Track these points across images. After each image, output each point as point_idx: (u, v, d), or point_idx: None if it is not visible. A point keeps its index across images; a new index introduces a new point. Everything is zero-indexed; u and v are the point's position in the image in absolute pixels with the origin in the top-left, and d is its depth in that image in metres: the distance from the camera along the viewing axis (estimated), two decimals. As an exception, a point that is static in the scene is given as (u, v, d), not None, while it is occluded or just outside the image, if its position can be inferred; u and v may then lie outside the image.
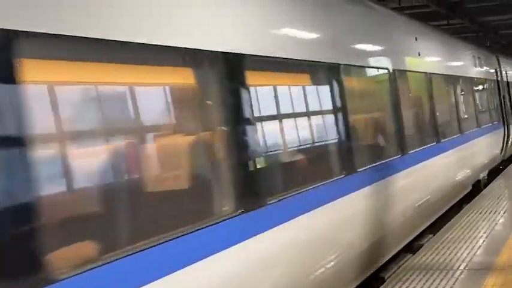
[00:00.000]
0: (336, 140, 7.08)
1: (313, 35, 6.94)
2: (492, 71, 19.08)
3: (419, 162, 10.00)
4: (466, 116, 14.62)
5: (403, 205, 9.08)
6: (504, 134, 19.17)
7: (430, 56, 12.26)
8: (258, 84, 5.58)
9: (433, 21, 17.48)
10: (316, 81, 7.11)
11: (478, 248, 8.64)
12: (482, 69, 17.30)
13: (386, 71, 9.21)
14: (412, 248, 9.75)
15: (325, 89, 7.07)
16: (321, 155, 6.96)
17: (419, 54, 11.13)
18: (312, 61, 6.64)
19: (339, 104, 7.09)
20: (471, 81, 15.70)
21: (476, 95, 16.23)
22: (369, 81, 9.04)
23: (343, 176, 6.95)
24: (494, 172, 17.19)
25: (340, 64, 7.23)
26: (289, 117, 6.34)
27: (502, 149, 18.86)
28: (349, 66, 7.57)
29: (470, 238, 9.24)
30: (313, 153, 6.81)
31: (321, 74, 7.01)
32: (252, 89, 5.27)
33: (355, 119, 7.57)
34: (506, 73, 21.72)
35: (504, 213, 10.96)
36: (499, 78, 19.93)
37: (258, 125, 5.35)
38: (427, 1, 16.57)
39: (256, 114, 5.31)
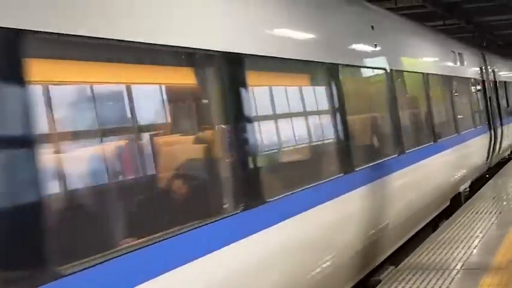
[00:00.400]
0: None
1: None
2: (476, 69, 17.20)
3: (373, 180, 8.09)
4: (441, 121, 12.50)
5: (346, 237, 7.30)
6: (490, 140, 17.33)
7: (392, 49, 10.09)
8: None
9: (429, 22, 17.51)
10: None
11: (474, 248, 8.66)
12: (463, 67, 15.36)
13: (327, 66, 7.21)
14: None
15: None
16: None
17: (375, 46, 9.16)
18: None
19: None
20: (448, 80, 13.60)
21: (456, 96, 14.05)
22: (299, 80, 7.23)
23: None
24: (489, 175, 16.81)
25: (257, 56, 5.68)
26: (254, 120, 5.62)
27: (488, 156, 17.10)
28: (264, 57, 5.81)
29: (466, 238, 9.26)
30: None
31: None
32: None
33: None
34: (494, 72, 19.69)
35: (500, 213, 10.99)
36: (485, 77, 17.92)
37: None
38: (423, 1, 16.61)
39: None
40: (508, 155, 21.78)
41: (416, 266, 7.96)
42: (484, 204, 11.92)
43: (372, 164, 8.18)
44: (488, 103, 17.63)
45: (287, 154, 6.62)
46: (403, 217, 9.41)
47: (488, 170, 17.53)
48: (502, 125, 19.30)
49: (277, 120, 6.27)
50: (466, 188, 14.01)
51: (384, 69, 9.37)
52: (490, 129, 17.35)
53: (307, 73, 7.27)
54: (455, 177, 12.98)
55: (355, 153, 7.62)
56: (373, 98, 9.41)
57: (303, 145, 6.98)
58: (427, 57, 12.71)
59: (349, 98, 7.64)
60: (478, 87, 16.98)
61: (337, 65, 7.40)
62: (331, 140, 7.33)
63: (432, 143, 11.33)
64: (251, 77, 5.40)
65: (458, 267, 7.80)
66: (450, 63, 14.27)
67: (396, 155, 9.24)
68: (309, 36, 7.04)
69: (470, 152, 14.45)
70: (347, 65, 7.80)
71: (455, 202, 12.87)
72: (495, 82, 19.48)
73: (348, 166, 7.33)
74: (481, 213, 11.09)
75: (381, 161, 8.59)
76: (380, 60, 9.32)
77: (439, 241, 9.21)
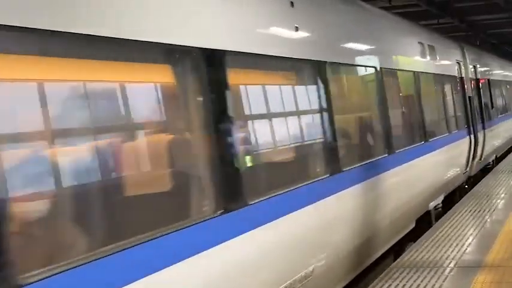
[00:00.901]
0: None
1: None
2: (453, 65, 14.69)
3: (308, 205, 6.21)
4: (400, 127, 10.11)
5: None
6: (470, 145, 14.85)
7: (322, 35, 7.51)
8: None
9: (423, 21, 17.58)
10: None
11: (468, 246, 8.70)
12: (435, 62, 12.88)
13: (211, 53, 4.97)
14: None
15: None
16: None
17: (296, 29, 6.68)
18: None
19: None
20: (413, 77, 11.05)
21: (424, 96, 11.49)
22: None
23: None
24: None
25: None
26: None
27: (467, 165, 14.69)
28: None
29: (460, 236, 9.31)
30: None
31: None
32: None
33: None
34: (475, 68, 17.21)
35: (493, 211, 11.04)
36: (464, 75, 15.46)
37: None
38: (417, 0, 16.66)
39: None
40: (493, 160, 19.22)
41: (410, 264, 8.00)
42: (477, 202, 11.98)
43: (286, 190, 5.90)
44: (468, 104, 15.25)
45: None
46: (340, 256, 7.04)
47: (469, 179, 15.33)
48: (484, 128, 16.94)
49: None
50: (437, 205, 11.81)
51: (311, 61, 6.93)
52: (469, 133, 14.91)
53: None
54: (423, 193, 10.73)
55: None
56: (285, 98, 6.68)
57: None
58: (380, 47, 9.75)
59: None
60: (455, 86, 14.58)
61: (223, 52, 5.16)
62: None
63: (386, 155, 8.94)
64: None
65: (452, 265, 7.83)
66: (416, 57, 11.74)
67: (329, 175, 6.84)
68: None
69: (443, 162, 12.24)
70: (240, 53, 5.45)
71: (427, 219, 11.06)
72: (477, 80, 17.19)
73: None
74: (474, 211, 11.14)
75: (307, 183, 6.34)
76: (303, 48, 6.80)
77: (432, 239, 9.25)
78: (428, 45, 12.46)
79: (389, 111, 9.38)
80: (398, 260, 8.38)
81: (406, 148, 9.94)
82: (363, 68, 8.90)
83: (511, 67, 26.93)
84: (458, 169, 13.73)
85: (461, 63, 15.39)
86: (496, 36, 28.39)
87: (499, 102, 21.50)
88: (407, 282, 7.28)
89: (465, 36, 23.23)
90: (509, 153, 21.84)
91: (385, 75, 9.36)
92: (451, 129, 13.36)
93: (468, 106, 15.19)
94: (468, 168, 14.84)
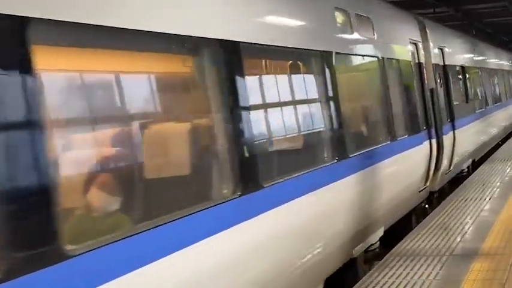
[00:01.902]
0: None
1: None
2: (403, 45, 10.83)
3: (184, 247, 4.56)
4: (293, 140, 6.84)
5: None
6: (431, 153, 11.34)
7: None
8: None
9: (419, 10, 17.56)
10: None
11: (464, 234, 8.73)
12: (368, 40, 9.09)
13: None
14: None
15: None
16: None
17: None
18: None
19: None
20: (324, 60, 7.26)
21: (344, 89, 7.71)
22: None
23: None
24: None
25: None
26: None
27: (427, 179, 11.26)
28: None
29: (457, 224, 9.34)
30: None
31: None
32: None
33: None
34: (442, 52, 13.55)
35: (490, 199, 11.07)
36: (423, 60, 11.76)
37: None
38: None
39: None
40: (469, 167, 15.65)
41: (406, 253, 8.03)
42: (474, 190, 12.01)
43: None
44: (429, 99, 11.73)
45: None
46: None
47: (430, 196, 12.00)
48: (454, 129, 13.36)
49: None
50: (373, 245, 8.51)
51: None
52: (430, 137, 11.37)
53: None
54: (337, 238, 7.25)
55: None
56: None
57: None
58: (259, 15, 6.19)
59: None
60: (406, 75, 10.66)
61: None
62: None
63: (281, 180, 5.85)
64: None
65: (448, 253, 7.86)
66: (332, 32, 7.83)
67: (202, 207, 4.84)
68: None
69: (377, 184, 8.50)
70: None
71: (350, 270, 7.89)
72: (444, 67, 13.54)
73: None
74: (470, 199, 11.17)
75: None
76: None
77: (429, 227, 9.27)
78: (358, 14, 8.65)
79: (299, 112, 6.88)
80: (394, 248, 8.40)
81: (291, 176, 6.04)
82: (276, 49, 6.18)
83: (494, 52, 23.79)
84: (409, 188, 10.14)
85: (419, 45, 11.62)
86: (491, 26, 28.39)
87: (477, 94, 17.75)
88: (404, 270, 7.31)
89: (461, 25, 23.23)
90: (492, 154, 18.03)
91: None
92: (393, 136, 9.35)
93: (428, 102, 11.62)
94: (428, 183, 11.36)
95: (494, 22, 27.11)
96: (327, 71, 7.27)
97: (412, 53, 11.26)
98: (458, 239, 8.50)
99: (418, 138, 10.76)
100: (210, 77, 5.10)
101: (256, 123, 5.72)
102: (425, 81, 11.74)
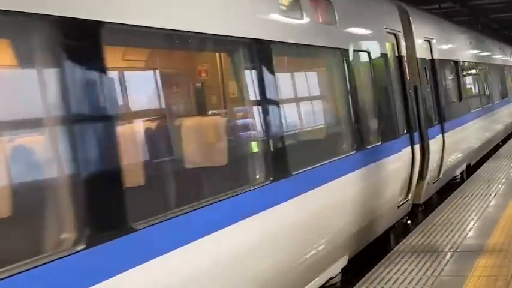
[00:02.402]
0: None
1: None
2: (381, 36, 9.31)
3: None
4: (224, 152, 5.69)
5: None
6: (413, 161, 9.83)
7: None
8: None
9: (425, 5, 17.50)
10: None
11: (469, 231, 8.71)
12: (332, 29, 7.59)
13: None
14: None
15: None
16: None
17: None
18: None
19: None
20: (271, 52, 5.97)
21: (304, 86, 7.42)
22: None
23: None
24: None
25: None
26: None
27: (409, 189, 9.78)
28: None
29: (461, 221, 9.32)
30: None
31: None
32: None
33: None
34: (430, 44, 12.03)
35: (495, 196, 11.05)
36: (404, 53, 10.20)
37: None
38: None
39: None
40: (463, 172, 14.00)
41: (411, 249, 8.02)
42: (479, 187, 11.99)
43: None
44: (413, 98, 10.29)
45: None
46: None
47: (417, 208, 10.66)
48: (443, 131, 11.85)
49: None
50: (332, 278, 7.03)
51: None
52: (412, 143, 9.83)
53: None
54: (287, 271, 6.00)
55: None
56: None
57: None
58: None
59: None
60: (383, 70, 9.19)
61: None
62: None
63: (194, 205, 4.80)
64: None
65: (453, 249, 7.85)
66: (266, 16, 6.17)
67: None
68: None
69: (337, 204, 7.08)
70: None
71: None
72: (432, 61, 12.05)
73: None
74: (476, 195, 11.15)
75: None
76: None
77: (434, 223, 9.26)
78: None
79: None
80: (399, 244, 8.39)
81: (222, 198, 4.99)
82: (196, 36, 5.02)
83: (494, 45, 21.77)
84: (383, 204, 8.66)
85: (400, 35, 10.07)
86: (497, 21, 28.30)
87: (472, 92, 16.24)
88: (408, 266, 7.30)
89: (467, 20, 23.16)
90: (490, 156, 16.68)
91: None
92: (360, 145, 7.77)
93: (411, 101, 10.10)
94: (410, 196, 9.82)
95: (499, 18, 27.03)
96: (264, 64, 5.74)
97: (391, 45, 9.66)
98: (463, 235, 8.48)
99: (396, 145, 9.07)
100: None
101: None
102: (407, 78, 10.14)
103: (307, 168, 6.33)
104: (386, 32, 9.55)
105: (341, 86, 7.75)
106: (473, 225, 9.03)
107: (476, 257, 7.40)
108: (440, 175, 11.66)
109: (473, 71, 16.83)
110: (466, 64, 15.57)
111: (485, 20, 26.49)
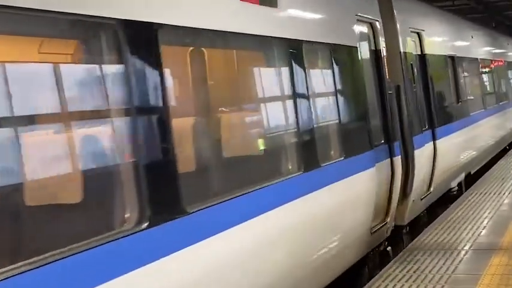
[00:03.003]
0: None
1: None
2: (350, 24, 7.75)
3: None
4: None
5: None
6: (392, 175, 8.30)
7: None
8: None
9: (438, 2, 17.42)
10: None
11: (483, 228, 8.66)
12: (270, 13, 5.98)
13: None
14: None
15: None
16: None
17: None
18: None
19: None
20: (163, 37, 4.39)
21: (226, 87, 5.65)
22: None
23: None
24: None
25: None
26: None
27: (387, 210, 8.22)
28: None
29: (476, 218, 9.26)
30: None
31: None
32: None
33: None
34: (420, 37, 10.34)
35: (509, 193, 10.97)
36: (382, 46, 8.49)
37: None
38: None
39: None
40: (461, 183, 12.22)
41: (424, 247, 7.98)
42: (492, 185, 11.92)
43: None
44: (390, 100, 8.43)
45: None
46: None
47: (401, 229, 9.05)
48: (435, 138, 10.25)
49: None
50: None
51: None
52: (392, 154, 8.28)
53: None
54: None
55: None
56: None
57: None
58: None
59: None
60: (344, 66, 7.42)
61: None
62: None
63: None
64: None
65: (467, 247, 7.81)
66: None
67: None
68: None
69: (279, 239, 5.67)
70: None
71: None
72: (422, 57, 10.38)
73: None
74: (489, 194, 11.08)
75: None
76: None
77: (447, 221, 9.21)
78: None
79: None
80: (412, 242, 8.35)
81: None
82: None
83: (500, 40, 19.84)
84: (349, 233, 7.10)
85: (377, 25, 8.36)
86: (511, 19, 28.14)
87: (473, 92, 14.31)
88: (421, 264, 7.26)
89: (481, 17, 23.03)
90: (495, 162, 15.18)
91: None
92: (314, 161, 6.28)
93: (391, 105, 8.41)
94: (390, 218, 8.21)
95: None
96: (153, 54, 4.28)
97: (363, 36, 8.05)
98: (477, 233, 8.43)
99: (366, 160, 7.40)
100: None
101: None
102: (386, 76, 8.40)
103: (208, 205, 4.61)
104: (358, 19, 7.94)
105: (283, 89, 6.01)
106: (487, 223, 8.97)
107: (490, 255, 7.35)
108: (431, 189, 10.02)
109: (475, 69, 15.00)
110: (465, 61, 13.70)
111: (499, 18, 26.34)
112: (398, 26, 9.20)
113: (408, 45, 9.60)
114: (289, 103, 6.04)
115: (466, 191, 11.71)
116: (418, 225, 9.66)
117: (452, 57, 12.46)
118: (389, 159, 8.23)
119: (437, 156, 10.15)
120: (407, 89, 9.15)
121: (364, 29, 8.15)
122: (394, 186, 8.31)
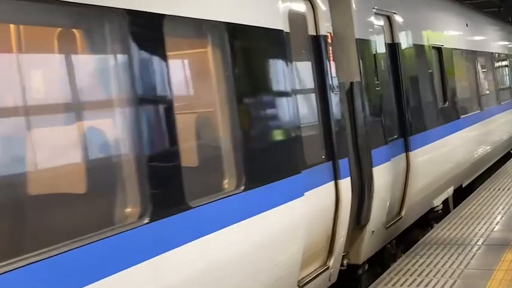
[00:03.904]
0: None
1: None
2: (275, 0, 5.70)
3: None
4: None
5: None
6: (337, 204, 6.43)
7: None
8: None
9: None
10: None
11: (496, 224, 8.63)
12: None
13: None
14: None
15: None
16: None
17: None
18: None
19: None
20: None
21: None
22: None
23: None
24: None
25: None
26: None
27: (330, 249, 6.43)
28: None
29: (489, 214, 9.23)
30: None
31: None
32: None
33: None
34: (390, 21, 8.44)
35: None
36: (327, 31, 6.53)
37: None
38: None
39: None
40: (445, 201, 10.01)
41: (437, 241, 7.97)
42: (506, 180, 11.87)
43: None
44: (336, 103, 6.49)
45: None
46: None
47: (356, 271, 7.26)
48: (409, 149, 8.32)
49: None
50: None
51: None
52: (336, 176, 6.37)
53: None
54: None
55: None
56: None
57: None
58: None
59: None
60: (264, 56, 5.50)
61: None
62: None
63: None
64: None
65: (480, 242, 7.79)
66: None
67: None
68: None
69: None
70: None
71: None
72: (392, 46, 8.42)
73: None
74: (503, 189, 11.04)
75: None
76: None
77: (461, 216, 9.19)
78: None
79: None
80: (425, 236, 8.34)
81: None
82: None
83: (503, 30, 17.18)
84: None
85: (319, 3, 6.43)
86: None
87: (465, 91, 11.94)
88: (434, 258, 7.25)
89: (497, 12, 22.87)
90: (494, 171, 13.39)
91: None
92: (204, 195, 4.54)
93: (336, 109, 6.47)
94: (333, 259, 6.37)
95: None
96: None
97: (296, 17, 6.06)
98: (490, 228, 8.41)
99: (289, 187, 5.54)
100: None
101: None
102: (331, 72, 6.50)
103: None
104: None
105: (159, 85, 4.18)
106: (501, 218, 8.94)
107: (503, 251, 7.33)
108: (402, 213, 8.20)
109: (468, 63, 12.42)
110: (456, 53, 11.27)
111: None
112: (354, 5, 7.24)
113: (370, 32, 7.64)
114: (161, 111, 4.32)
115: (454, 208, 10.01)
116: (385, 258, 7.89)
117: (438, 49, 10.21)
118: (332, 182, 6.31)
119: (410, 172, 8.27)
120: (369, 88, 7.36)
121: (298, 6, 6.14)
122: (340, 217, 6.38)
